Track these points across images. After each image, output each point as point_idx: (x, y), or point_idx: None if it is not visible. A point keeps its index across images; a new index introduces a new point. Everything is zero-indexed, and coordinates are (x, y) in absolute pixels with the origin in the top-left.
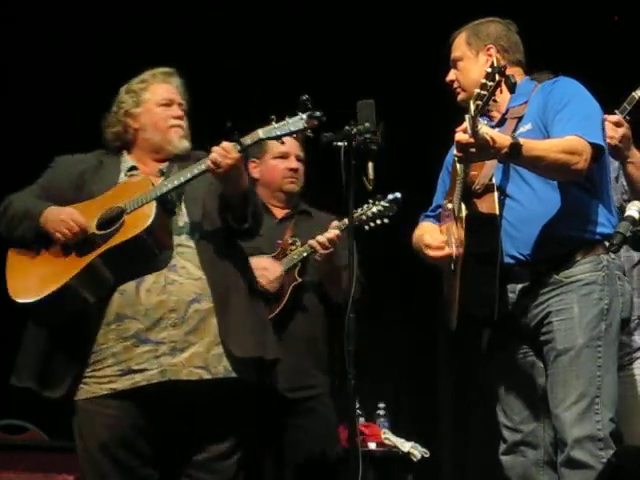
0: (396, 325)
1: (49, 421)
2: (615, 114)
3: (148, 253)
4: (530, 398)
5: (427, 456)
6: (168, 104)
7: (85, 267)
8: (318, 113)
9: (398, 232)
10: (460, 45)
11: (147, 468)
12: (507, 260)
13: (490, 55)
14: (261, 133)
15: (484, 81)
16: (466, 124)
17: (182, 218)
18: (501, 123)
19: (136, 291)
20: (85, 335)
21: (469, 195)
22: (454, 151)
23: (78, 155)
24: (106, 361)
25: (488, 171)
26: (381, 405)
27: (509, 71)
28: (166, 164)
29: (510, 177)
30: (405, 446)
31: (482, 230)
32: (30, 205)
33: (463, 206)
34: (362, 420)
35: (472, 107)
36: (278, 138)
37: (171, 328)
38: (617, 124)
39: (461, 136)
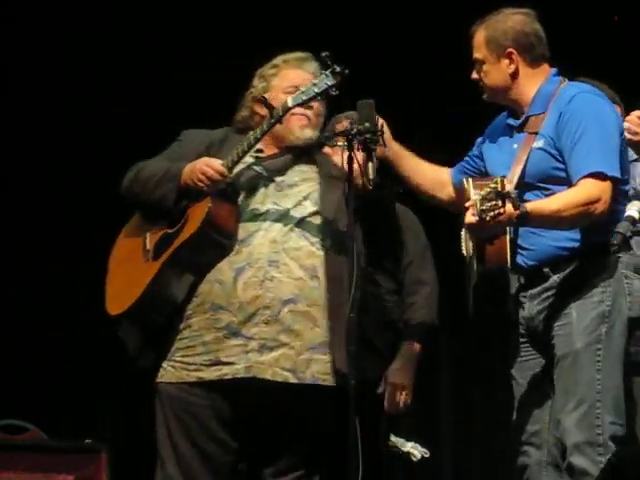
0: None
1: (49, 421)
2: None
3: (212, 244)
4: (538, 399)
5: (427, 456)
6: (295, 91)
7: (158, 272)
8: (339, 68)
9: None
10: (480, 46)
11: (228, 456)
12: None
13: (512, 60)
14: (290, 101)
15: (493, 202)
16: (473, 207)
17: (299, 212)
18: (520, 129)
19: (233, 283)
20: (180, 317)
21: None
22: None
23: (206, 130)
24: (196, 349)
25: None
26: None
27: (533, 70)
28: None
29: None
30: (405, 446)
31: (494, 279)
32: (168, 167)
33: (474, 261)
34: None
35: (479, 208)
36: (306, 102)
37: (263, 325)
38: None
39: (470, 219)
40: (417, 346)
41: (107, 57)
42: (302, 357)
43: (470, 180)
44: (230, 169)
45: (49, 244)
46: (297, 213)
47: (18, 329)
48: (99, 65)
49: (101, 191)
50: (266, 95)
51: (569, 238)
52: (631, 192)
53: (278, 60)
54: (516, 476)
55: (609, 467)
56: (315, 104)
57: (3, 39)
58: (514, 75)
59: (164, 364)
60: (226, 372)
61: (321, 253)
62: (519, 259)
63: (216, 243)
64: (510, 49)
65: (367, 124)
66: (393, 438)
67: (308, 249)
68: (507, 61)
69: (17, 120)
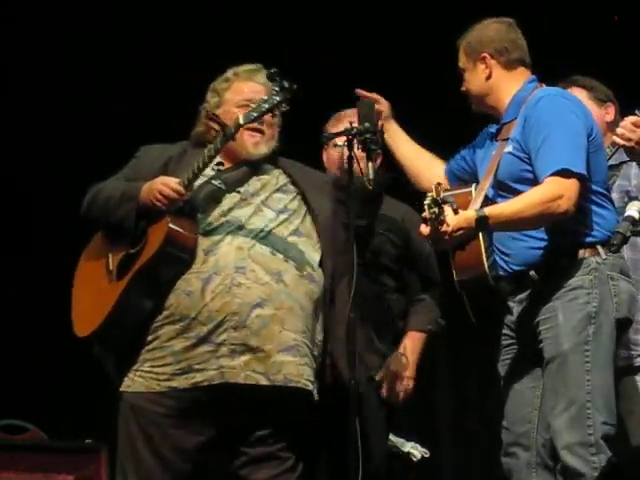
0: None
1: (49, 421)
2: (636, 115)
3: (175, 261)
4: (526, 400)
5: (427, 456)
6: (247, 105)
7: (122, 292)
8: (287, 84)
9: None
10: (461, 55)
11: (188, 465)
12: (499, 274)
13: (486, 64)
14: (241, 119)
15: (432, 209)
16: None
17: (261, 220)
18: (496, 136)
19: (202, 292)
20: (147, 329)
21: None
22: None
23: (164, 145)
24: (166, 359)
25: None
26: None
27: (508, 73)
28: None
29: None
30: (405, 446)
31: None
32: (125, 187)
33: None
34: None
35: (428, 215)
36: (256, 119)
37: (232, 330)
38: (636, 125)
39: (422, 230)
40: (422, 335)
41: (107, 57)
42: (272, 360)
43: (433, 186)
44: (187, 187)
45: (49, 244)
46: (259, 221)
47: (18, 329)
48: (99, 65)
49: None
50: (219, 110)
51: (552, 240)
52: (632, 192)
53: (229, 73)
54: (504, 478)
55: (609, 467)
56: (267, 117)
57: (3, 39)
58: (488, 77)
59: (130, 374)
60: (199, 379)
61: (282, 257)
62: (504, 265)
63: (178, 260)
64: (484, 53)
65: (367, 124)
66: (393, 438)
67: (272, 254)
68: (482, 66)
69: (17, 120)
